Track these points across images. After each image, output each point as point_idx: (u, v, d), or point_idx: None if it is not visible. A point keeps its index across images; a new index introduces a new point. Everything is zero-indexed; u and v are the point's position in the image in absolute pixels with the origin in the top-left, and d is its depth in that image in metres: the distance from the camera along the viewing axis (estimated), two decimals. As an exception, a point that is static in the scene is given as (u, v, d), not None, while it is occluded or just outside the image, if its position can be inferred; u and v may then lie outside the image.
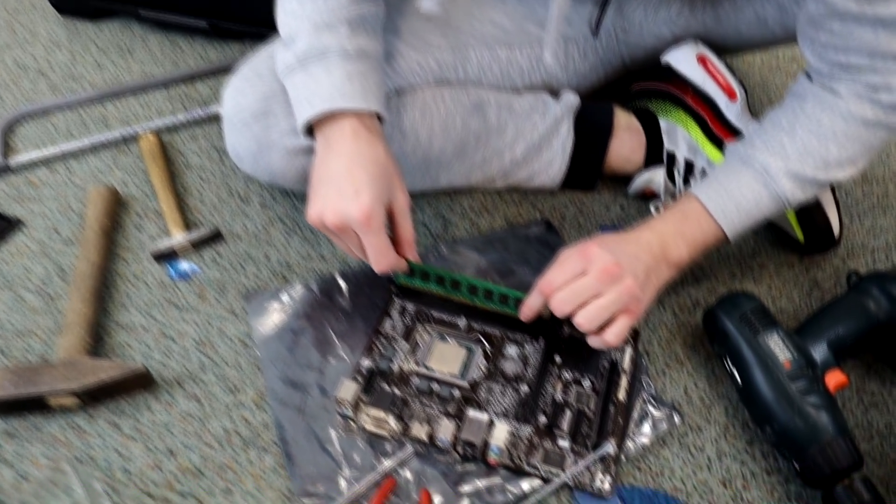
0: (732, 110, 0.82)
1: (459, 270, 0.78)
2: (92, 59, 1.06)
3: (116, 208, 0.84)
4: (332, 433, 0.64)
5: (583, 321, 0.62)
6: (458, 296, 0.72)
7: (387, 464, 0.62)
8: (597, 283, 0.62)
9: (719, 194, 0.68)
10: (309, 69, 0.66)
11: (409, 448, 0.63)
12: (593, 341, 0.64)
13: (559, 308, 0.63)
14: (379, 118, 0.69)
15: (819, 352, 0.66)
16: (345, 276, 0.78)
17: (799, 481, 0.63)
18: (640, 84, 0.90)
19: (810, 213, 0.77)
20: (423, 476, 0.62)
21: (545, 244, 0.82)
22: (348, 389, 0.63)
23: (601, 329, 0.63)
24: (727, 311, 0.68)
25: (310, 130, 0.68)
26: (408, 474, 0.62)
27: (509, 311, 0.70)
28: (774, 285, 0.79)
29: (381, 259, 0.65)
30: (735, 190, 0.68)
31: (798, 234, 0.79)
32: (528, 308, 0.67)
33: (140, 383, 0.67)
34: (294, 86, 0.68)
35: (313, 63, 0.66)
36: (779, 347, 0.65)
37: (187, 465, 0.63)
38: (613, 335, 0.63)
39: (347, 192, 0.62)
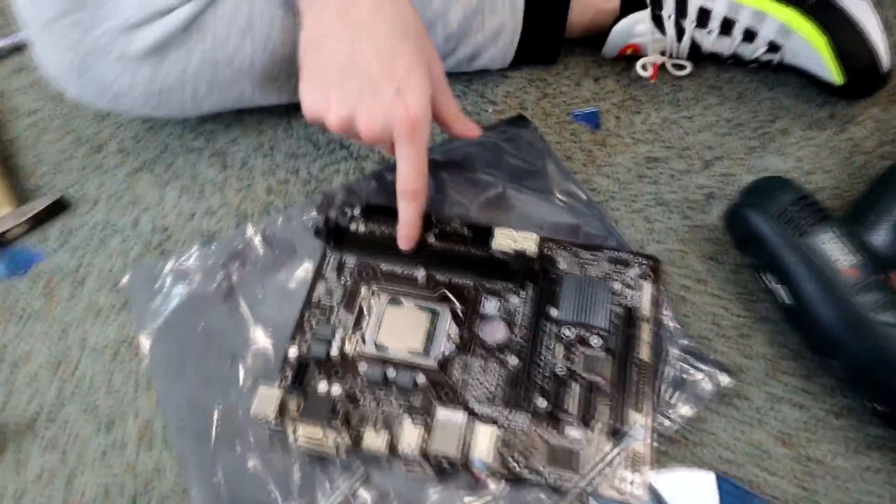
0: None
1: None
2: None
3: (-82, 187, 0.61)
4: (256, 457, 0.47)
5: None
6: None
7: (329, 499, 0.45)
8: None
9: None
10: None
11: (362, 468, 0.46)
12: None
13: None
14: None
15: (884, 243, 0.49)
16: (260, 229, 0.57)
17: (879, 421, 0.48)
18: None
19: (848, 39, 0.58)
20: (387, 498, 0.45)
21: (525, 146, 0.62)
22: (267, 401, 0.45)
23: None
24: (759, 207, 0.50)
25: None
26: (367, 498, 0.45)
27: None
28: (805, 155, 0.61)
29: (418, 179, 0.49)
30: None
31: (836, 74, 0.59)
32: None
33: (-27, 439, 0.48)
34: None
35: None
36: (838, 249, 0.47)
37: (56, 546, 0.45)
38: None
39: (384, 91, 0.46)
